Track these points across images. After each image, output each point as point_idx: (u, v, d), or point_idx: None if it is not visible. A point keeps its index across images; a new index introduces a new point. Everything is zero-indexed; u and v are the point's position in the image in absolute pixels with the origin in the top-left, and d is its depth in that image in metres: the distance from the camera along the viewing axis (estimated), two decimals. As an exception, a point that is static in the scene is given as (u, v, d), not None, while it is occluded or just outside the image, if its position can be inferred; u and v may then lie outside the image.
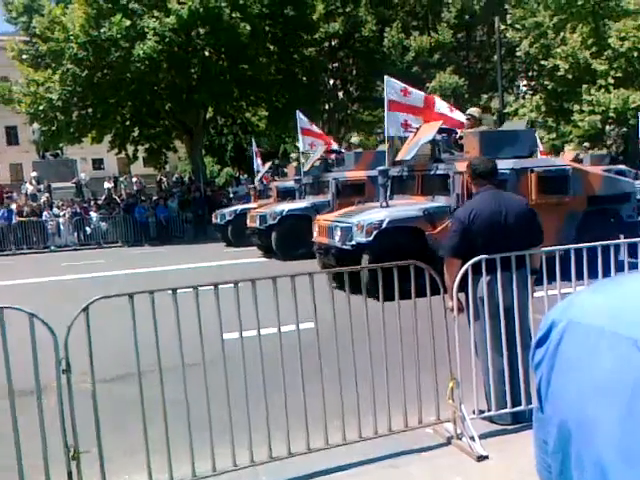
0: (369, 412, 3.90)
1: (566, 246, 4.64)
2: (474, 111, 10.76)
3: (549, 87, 29.64)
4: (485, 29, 34.74)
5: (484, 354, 4.23)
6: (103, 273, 13.70)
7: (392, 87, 11.44)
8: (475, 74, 35.85)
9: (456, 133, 10.43)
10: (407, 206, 9.70)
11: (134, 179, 32.89)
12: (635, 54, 25.96)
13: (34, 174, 27.88)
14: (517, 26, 30.75)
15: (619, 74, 26.57)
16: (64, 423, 3.29)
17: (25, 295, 10.01)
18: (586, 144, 23.79)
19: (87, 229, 22.80)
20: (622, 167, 20.82)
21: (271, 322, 3.78)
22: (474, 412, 4.14)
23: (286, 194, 16.60)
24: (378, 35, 32.89)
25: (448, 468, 3.75)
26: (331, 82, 35.49)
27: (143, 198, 25.70)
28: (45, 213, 22.77)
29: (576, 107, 27.62)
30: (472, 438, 3.90)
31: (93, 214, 23.30)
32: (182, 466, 3.56)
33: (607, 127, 27.45)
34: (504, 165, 9.14)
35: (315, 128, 16.59)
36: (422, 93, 11.62)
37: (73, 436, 3.32)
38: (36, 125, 26.47)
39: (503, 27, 29.29)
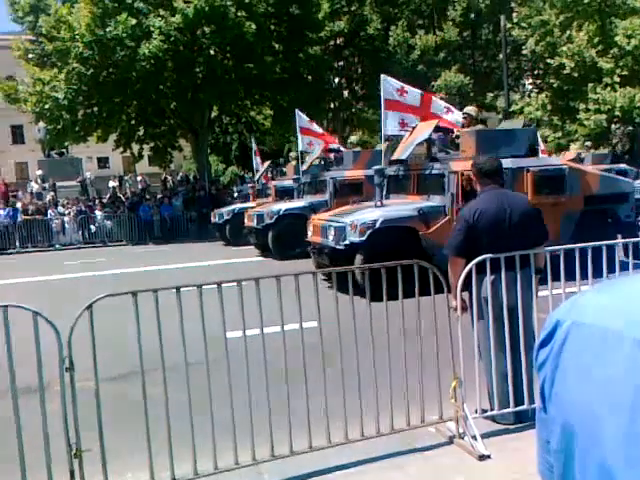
0: (371, 411, 3.90)
1: (571, 245, 4.62)
2: (471, 110, 10.72)
3: (555, 85, 29.55)
4: (491, 27, 34.64)
5: (487, 353, 4.22)
6: (107, 271, 13.74)
7: (389, 86, 11.43)
8: (481, 72, 35.77)
9: (452, 132, 10.40)
10: (402, 206, 9.64)
11: (139, 178, 32.98)
12: (641, 52, 25.84)
13: (39, 173, 27.98)
14: (523, 24, 30.65)
15: (625, 72, 26.46)
16: (67, 421, 3.30)
17: (29, 293, 10.05)
18: (588, 143, 23.71)
19: (92, 227, 22.86)
20: (624, 166, 20.77)
21: (274, 321, 3.78)
22: (476, 411, 4.14)
23: (284, 193, 16.61)
24: (383, 33, 32.87)
25: (450, 467, 3.75)
26: (336, 81, 35.49)
27: (148, 197, 25.77)
28: (50, 211, 22.86)
29: (582, 105, 27.52)
30: (474, 437, 3.89)
31: (98, 212, 23.36)
32: (184, 464, 3.57)
33: (613, 126, 27.36)
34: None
35: (315, 127, 16.55)
36: (419, 91, 11.55)
37: (76, 434, 3.33)
38: (42, 124, 26.55)
39: (509, 25, 29.20)
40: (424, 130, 9.99)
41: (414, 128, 10.49)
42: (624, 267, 4.72)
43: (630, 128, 25.98)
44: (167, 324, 3.55)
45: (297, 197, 15.73)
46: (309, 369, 3.82)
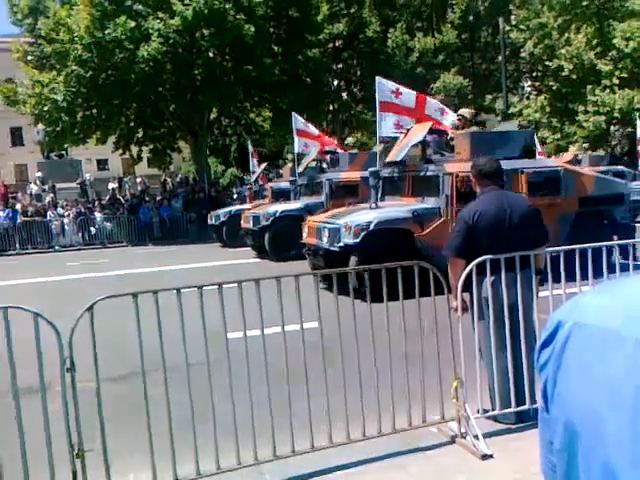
0: (373, 411, 3.90)
1: (571, 246, 4.63)
2: (465, 112, 10.72)
3: (554, 88, 29.62)
4: (489, 30, 34.73)
5: (488, 353, 4.23)
6: (107, 273, 13.73)
7: (384, 88, 11.43)
8: (479, 75, 35.83)
9: (447, 134, 10.40)
10: (396, 207, 9.63)
11: (138, 179, 32.96)
12: (640, 54, 25.90)
13: (39, 174, 27.98)
14: (521, 27, 30.75)
15: (624, 74, 26.53)
16: (68, 422, 3.30)
17: (29, 295, 10.04)
18: (585, 145, 23.76)
19: (91, 229, 22.85)
20: (621, 168, 20.81)
21: (274, 321, 3.78)
22: (478, 411, 4.14)
23: (281, 195, 16.62)
24: (382, 36, 32.92)
25: (452, 467, 3.75)
26: (335, 83, 35.53)
27: (147, 198, 25.76)
28: (49, 213, 22.85)
29: (581, 108, 27.59)
30: (476, 437, 3.89)
31: (97, 214, 23.36)
32: (186, 464, 3.57)
33: (612, 128, 27.45)
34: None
35: (311, 129, 16.54)
36: (413, 92, 11.55)
37: (77, 435, 3.33)
38: (41, 126, 26.55)
39: (507, 28, 29.29)
40: (418, 132, 9.98)
41: (409, 130, 10.49)
42: (624, 268, 4.73)
43: (629, 130, 26.02)
44: (167, 325, 3.56)
45: (293, 199, 15.72)
46: (310, 369, 3.82)
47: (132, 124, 27.61)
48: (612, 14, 27.78)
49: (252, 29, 23.03)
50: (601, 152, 23.65)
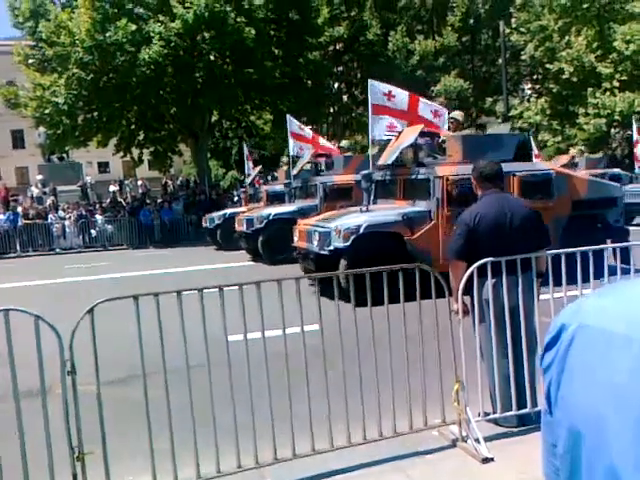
0: (374, 414, 3.90)
1: (573, 249, 4.62)
2: (457, 114, 10.71)
3: (554, 90, 29.65)
4: (490, 33, 34.77)
5: (489, 356, 4.22)
6: (108, 275, 13.74)
7: (376, 91, 11.44)
8: (480, 77, 35.86)
9: (439, 137, 10.37)
10: (387, 211, 9.59)
11: (139, 182, 32.96)
12: (640, 57, 25.93)
13: (40, 177, 27.97)
14: (522, 29, 30.78)
15: (624, 77, 26.56)
16: (69, 425, 3.30)
17: (30, 297, 10.03)
18: (582, 147, 23.78)
19: (92, 232, 22.86)
20: (617, 170, 20.81)
21: (275, 324, 3.78)
22: (479, 414, 4.14)
23: (276, 198, 16.62)
24: (383, 39, 32.97)
25: (453, 470, 3.74)
26: (336, 86, 35.58)
27: (148, 201, 25.78)
28: (50, 216, 22.85)
29: (581, 110, 27.61)
30: (477, 440, 3.89)
31: (98, 217, 23.37)
32: (187, 468, 3.56)
33: (612, 130, 27.46)
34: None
35: (306, 132, 16.54)
36: (406, 93, 11.53)
37: (78, 438, 3.33)
38: (42, 129, 26.57)
39: (508, 31, 29.32)
40: (409, 135, 9.95)
41: (400, 133, 10.47)
42: (613, 272, 4.71)
43: (629, 132, 26.02)
44: (168, 327, 3.55)
45: (288, 202, 15.71)
46: (311, 372, 3.81)
47: (133, 127, 27.63)
48: (612, 17, 27.81)
49: (253, 32, 23.06)
50: (599, 155, 23.65)
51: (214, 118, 28.87)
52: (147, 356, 3.54)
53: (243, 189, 21.20)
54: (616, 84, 26.48)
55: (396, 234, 9.13)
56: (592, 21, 28.10)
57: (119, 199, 26.71)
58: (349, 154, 15.55)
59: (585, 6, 27.49)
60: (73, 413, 3.33)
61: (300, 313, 3.88)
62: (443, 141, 10.01)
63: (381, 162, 10.35)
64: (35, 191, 27.14)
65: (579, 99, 27.82)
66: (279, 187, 17.13)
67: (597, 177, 17.89)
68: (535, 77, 34.66)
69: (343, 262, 8.86)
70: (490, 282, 4.17)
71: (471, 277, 4.15)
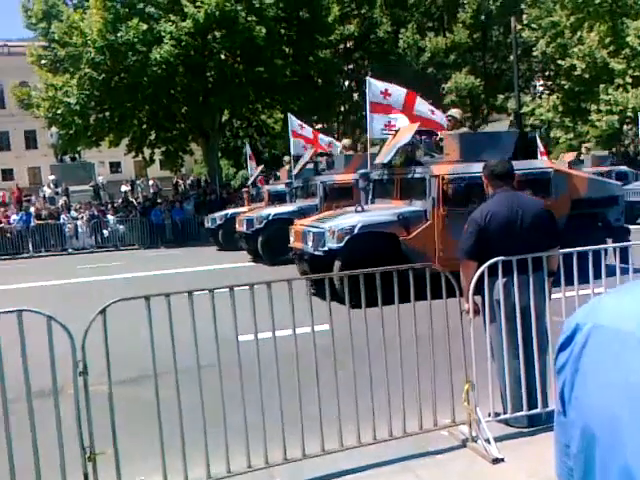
0: (384, 414, 3.89)
1: (584, 247, 4.60)
2: (455, 112, 10.62)
3: (566, 87, 29.43)
4: (501, 29, 34.53)
5: (500, 356, 4.20)
6: (120, 275, 13.82)
7: (373, 89, 11.40)
8: (491, 74, 35.65)
9: (437, 135, 10.30)
10: (382, 211, 9.50)
11: (151, 182, 33.16)
12: (654, 53, 25.70)
13: (52, 177, 28.21)
14: (533, 26, 30.59)
15: (637, 73, 26.32)
16: (80, 425, 3.32)
17: (43, 298, 10.12)
18: (587, 145, 23.60)
19: (104, 232, 23.01)
20: (624, 168, 20.62)
21: (285, 324, 3.79)
22: (490, 415, 4.12)
23: (277, 198, 16.55)
24: (393, 36, 32.88)
25: (463, 471, 3.73)
26: (346, 84, 35.50)
27: (159, 201, 25.89)
28: (63, 216, 23.01)
29: (593, 107, 27.40)
30: (487, 441, 3.87)
31: (110, 217, 23.51)
32: (197, 467, 3.58)
33: (625, 127, 27.22)
34: (481, 168, 8.97)
35: (306, 131, 16.49)
36: (403, 91, 11.48)
37: (89, 438, 3.35)
38: (54, 129, 26.78)
39: (519, 27, 29.13)
40: (406, 133, 9.89)
41: (397, 132, 10.41)
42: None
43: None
44: (179, 327, 3.57)
45: (289, 201, 15.63)
46: (321, 372, 3.82)
47: (144, 126, 27.77)
48: (625, 12, 27.55)
49: (263, 31, 23.09)
50: (605, 152, 23.48)
51: (225, 117, 28.94)
52: (158, 356, 3.56)
53: (245, 189, 21.18)
54: (629, 80, 26.24)
55: (391, 234, 9.03)
56: (604, 16, 27.86)
57: (131, 199, 26.87)
58: (350, 153, 15.47)
59: (597, 1, 27.25)
60: (85, 413, 3.35)
61: (310, 313, 3.89)
62: (441, 139, 9.93)
63: (378, 161, 10.30)
64: (47, 191, 27.38)
65: (591, 95, 27.60)
66: (281, 187, 17.04)
67: (603, 175, 17.78)
68: (547, 74, 34.42)
69: (337, 263, 8.77)
70: (501, 282, 4.15)
71: (482, 277, 4.13)
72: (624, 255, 4.84)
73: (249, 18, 23.12)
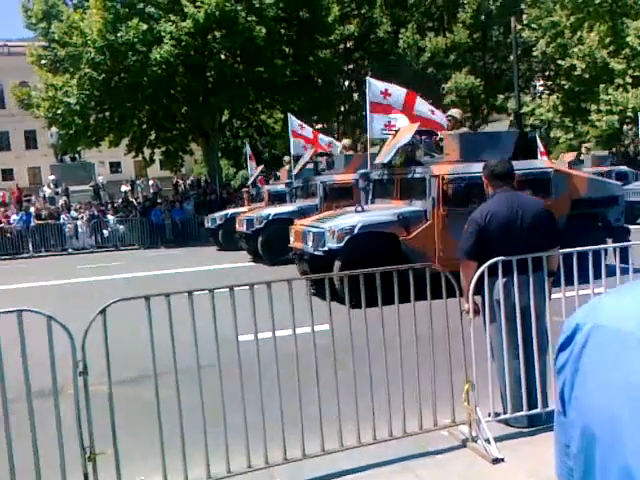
0: (384, 414, 3.89)
1: (584, 247, 4.60)
2: (455, 112, 10.62)
3: (566, 87, 29.43)
4: (501, 29, 34.53)
5: (500, 356, 4.20)
6: (120, 275, 13.83)
7: (373, 89, 11.39)
8: (491, 74, 35.65)
9: (437, 135, 10.29)
10: (382, 211, 9.48)
11: (151, 182, 33.16)
12: (654, 53, 25.69)
13: (52, 177, 28.21)
14: (533, 26, 30.59)
15: (637, 73, 26.32)
16: (80, 425, 3.32)
17: (43, 298, 10.12)
18: (587, 145, 23.62)
19: (104, 232, 23.01)
20: (624, 168, 20.62)
21: (285, 324, 3.79)
22: (490, 415, 4.12)
23: (277, 198, 16.53)
24: (393, 36, 32.87)
25: (463, 471, 3.73)
26: (346, 84, 35.49)
27: (159, 201, 25.88)
28: (63, 216, 23.01)
29: (593, 107, 27.39)
30: (487, 441, 3.87)
31: (110, 217, 23.51)
32: (197, 467, 3.58)
33: (625, 127, 27.22)
34: (481, 168, 8.94)
35: (306, 131, 16.47)
36: (403, 91, 11.47)
37: (89, 438, 3.36)
38: (54, 129, 26.78)
39: (519, 27, 29.13)
40: (406, 133, 9.88)
41: (396, 132, 10.41)
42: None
43: (640, 129, 25.83)
44: (179, 327, 3.57)
45: (289, 201, 15.61)
46: (321, 372, 3.82)
47: (144, 126, 27.77)
48: (625, 12, 27.55)
49: (263, 31, 23.10)
50: (604, 152, 23.49)
51: (225, 117, 28.95)
52: (158, 356, 3.56)
53: (245, 189, 21.18)
54: (629, 80, 26.24)
55: (391, 234, 9.02)
56: (604, 16, 27.86)
57: (131, 199, 26.86)
58: (350, 153, 15.46)
59: (597, 1, 27.25)
60: (85, 413, 3.35)
61: (310, 313, 3.89)
62: (441, 139, 9.92)
63: (378, 161, 10.29)
64: (47, 191, 27.39)
65: (591, 95, 27.60)
66: (281, 187, 17.02)
67: (603, 175, 17.75)
68: (547, 74, 34.42)
69: (337, 263, 8.76)
70: (501, 281, 4.15)
71: (482, 277, 4.13)
72: (624, 255, 4.84)
73: (249, 18, 23.13)
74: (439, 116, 11.27)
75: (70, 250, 22.11)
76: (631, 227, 10.76)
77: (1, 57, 48.24)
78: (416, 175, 9.45)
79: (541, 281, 4.24)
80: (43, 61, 26.37)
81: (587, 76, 27.51)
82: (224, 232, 17.80)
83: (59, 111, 24.44)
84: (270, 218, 14.30)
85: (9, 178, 48.80)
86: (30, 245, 21.94)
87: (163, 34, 22.61)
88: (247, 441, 3.62)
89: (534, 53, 31.27)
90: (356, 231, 8.93)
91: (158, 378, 3.53)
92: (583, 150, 21.74)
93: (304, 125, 16.80)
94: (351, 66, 35.09)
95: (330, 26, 27.72)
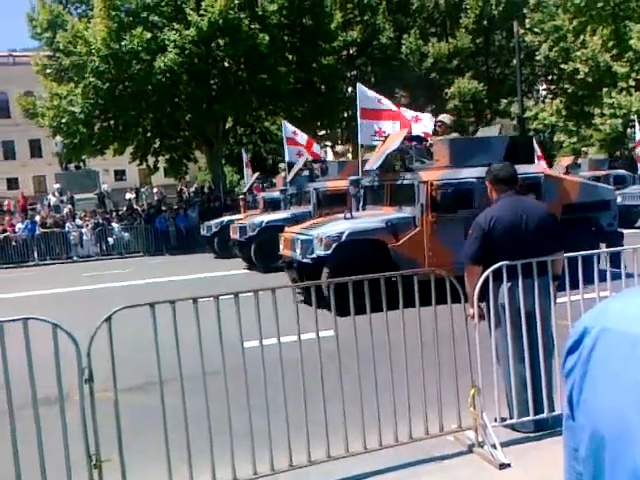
0: (390, 419, 3.88)
1: (589, 251, 4.59)
2: (445, 117, 10.60)
3: (569, 91, 29.42)
4: (504, 34, 34.57)
5: (506, 361, 4.19)
6: (125, 283, 13.85)
7: (366, 95, 11.41)
8: (494, 79, 35.65)
9: (427, 141, 10.27)
10: (371, 218, 9.43)
11: (155, 189, 33.22)
12: (657, 56, 25.67)
13: (57, 186, 28.31)
14: (536, 30, 30.61)
15: (640, 76, 26.24)
16: (86, 432, 3.33)
17: (48, 305, 10.14)
18: (584, 149, 23.64)
19: (109, 239, 23.05)
20: (622, 172, 20.57)
21: (289, 330, 3.78)
22: (496, 420, 4.11)
23: (273, 205, 16.50)
24: (396, 42, 32.91)
25: (470, 476, 3.72)
26: (349, 90, 35.54)
27: (164, 208, 25.94)
28: (68, 224, 23.08)
29: (597, 110, 27.36)
30: (494, 446, 3.86)
31: (115, 224, 23.56)
32: (202, 474, 3.57)
33: (628, 130, 27.14)
34: (471, 173, 8.89)
35: (300, 138, 16.45)
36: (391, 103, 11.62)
37: (95, 445, 3.36)
38: (59, 138, 26.88)
39: (522, 31, 29.13)
40: (395, 140, 9.86)
41: (386, 138, 10.39)
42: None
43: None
44: (184, 334, 3.57)
45: (284, 208, 15.55)
46: (326, 378, 3.81)
47: (149, 134, 27.86)
48: (628, 15, 27.54)
49: (266, 38, 23.18)
50: (602, 156, 23.47)
51: (229, 124, 29.01)
52: (163, 363, 3.56)
53: (242, 196, 21.16)
54: (632, 83, 26.20)
55: (379, 241, 8.96)
56: (607, 20, 27.85)
57: (135, 207, 26.92)
58: (344, 159, 15.44)
59: (600, 5, 27.26)
60: (90, 420, 3.35)
61: (315, 319, 3.89)
62: (431, 145, 9.89)
63: (367, 167, 10.27)
64: (52, 199, 27.47)
65: (594, 99, 27.58)
66: (276, 194, 16.95)
67: (600, 178, 17.63)
68: (550, 78, 34.43)
69: (325, 270, 8.68)
70: (506, 286, 4.14)
71: (487, 281, 4.13)
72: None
73: (252, 26, 23.23)
74: (420, 127, 11.25)
75: (75, 258, 22.16)
76: (629, 231, 10.67)
77: (6, 67, 48.49)
78: (405, 181, 9.39)
79: (546, 285, 4.23)
80: (48, 70, 26.51)
81: (590, 80, 27.50)
82: (219, 240, 17.71)
83: (64, 120, 24.54)
84: (263, 225, 14.22)
85: (14, 187, 48.98)
86: (35, 253, 21.99)
87: (167, 42, 22.71)
88: (253, 447, 3.61)
89: (537, 57, 31.29)
90: (344, 238, 8.84)
91: (163, 385, 3.53)
92: (583, 153, 21.77)
93: (298, 131, 16.78)
94: (354, 72, 35.15)
95: (333, 33, 27.79)
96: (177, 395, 3.55)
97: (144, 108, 24.88)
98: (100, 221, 23.46)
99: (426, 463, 3.87)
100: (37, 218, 23.35)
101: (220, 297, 3.72)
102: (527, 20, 31.98)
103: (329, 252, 8.77)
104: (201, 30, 22.53)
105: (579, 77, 27.83)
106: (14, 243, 21.95)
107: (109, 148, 27.48)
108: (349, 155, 16.03)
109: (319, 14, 26.35)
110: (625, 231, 10.91)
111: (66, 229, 22.80)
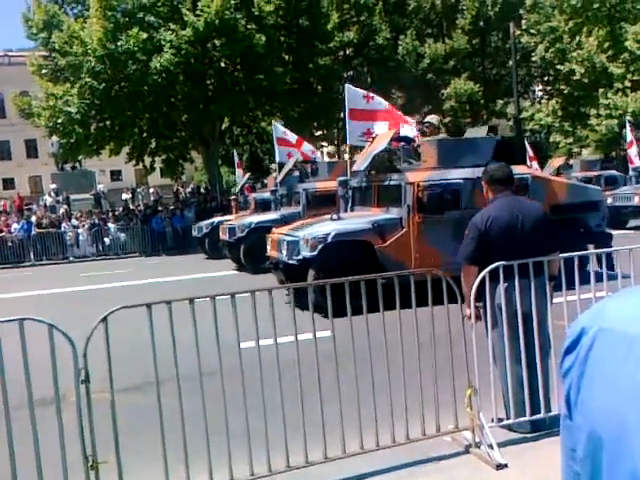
0: (387, 420, 3.88)
1: (586, 252, 4.60)
2: (433, 118, 10.59)
3: (565, 91, 29.51)
4: (500, 35, 34.65)
5: (502, 362, 4.19)
6: (121, 283, 13.82)
7: (354, 95, 11.40)
8: (490, 80, 35.74)
9: (414, 141, 10.26)
10: (358, 219, 9.40)
11: (151, 190, 33.22)
12: (652, 57, 25.76)
13: (53, 186, 28.24)
14: (532, 31, 30.70)
15: (636, 77, 26.39)
16: (83, 433, 3.32)
17: (44, 306, 10.12)
18: (576, 149, 23.74)
19: (105, 240, 23.01)
20: (613, 172, 20.62)
21: (285, 331, 3.78)
22: (493, 420, 4.11)
23: (264, 206, 16.46)
24: (392, 43, 32.96)
25: (466, 477, 3.72)
26: (346, 90, 35.58)
27: (160, 208, 25.90)
28: (64, 224, 23.02)
29: (593, 111, 27.45)
30: (491, 446, 3.86)
31: (111, 225, 23.52)
32: (199, 476, 3.56)
33: (624, 131, 27.22)
34: (458, 174, 8.91)
35: (290, 137, 16.45)
36: (382, 100, 11.54)
37: (92, 446, 3.35)
38: (55, 138, 26.83)
39: (518, 32, 29.22)
40: (382, 140, 9.84)
41: (374, 139, 10.37)
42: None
43: (642, 133, 25.83)
44: (180, 335, 3.57)
45: (274, 209, 15.53)
46: (322, 379, 3.81)
47: (145, 135, 27.83)
48: (624, 16, 27.65)
49: (263, 38, 23.19)
50: (594, 157, 23.54)
51: (225, 125, 29.02)
52: (160, 363, 3.55)
53: (233, 197, 21.13)
54: (628, 84, 26.31)
55: (366, 242, 8.92)
56: (603, 21, 27.95)
57: (132, 207, 26.88)
58: (334, 160, 15.41)
59: (596, 6, 27.35)
60: (87, 421, 3.34)
61: (312, 320, 3.89)
62: (418, 146, 9.87)
63: (355, 168, 10.24)
64: (48, 200, 27.42)
65: (590, 100, 27.67)
66: (267, 194, 16.91)
67: (592, 179, 17.62)
68: (546, 78, 34.53)
69: (311, 272, 8.66)
70: (502, 286, 4.15)
71: (483, 282, 4.13)
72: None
73: (249, 26, 23.24)
74: (406, 130, 11.24)
75: (71, 258, 22.11)
76: (620, 232, 10.66)
77: (2, 67, 48.41)
78: (392, 182, 9.37)
79: (542, 285, 4.23)
80: (44, 71, 26.46)
81: (586, 80, 27.59)
82: (210, 240, 17.64)
83: (60, 120, 24.51)
84: (252, 227, 14.20)
85: (10, 187, 48.92)
86: (31, 254, 21.93)
87: (163, 43, 22.70)
88: (249, 448, 3.61)
89: (533, 58, 31.37)
90: (330, 239, 8.81)
91: (160, 385, 3.52)
92: (575, 154, 21.85)
93: (288, 132, 16.77)
94: (351, 73, 35.18)
95: (329, 33, 27.82)
96: (174, 396, 3.55)
97: (140, 108, 24.86)
98: (96, 221, 23.41)
99: (423, 464, 3.87)
100: (33, 218, 23.28)
101: (216, 297, 3.72)
102: (523, 21, 32.08)
103: (315, 253, 8.75)
104: (197, 30, 22.53)
105: (575, 78, 27.92)
106: (10, 243, 21.89)
107: (105, 148, 27.45)
108: (345, 156, 15.99)
109: (315, 15, 26.38)
110: (616, 232, 10.93)
111: (62, 229, 22.75)
